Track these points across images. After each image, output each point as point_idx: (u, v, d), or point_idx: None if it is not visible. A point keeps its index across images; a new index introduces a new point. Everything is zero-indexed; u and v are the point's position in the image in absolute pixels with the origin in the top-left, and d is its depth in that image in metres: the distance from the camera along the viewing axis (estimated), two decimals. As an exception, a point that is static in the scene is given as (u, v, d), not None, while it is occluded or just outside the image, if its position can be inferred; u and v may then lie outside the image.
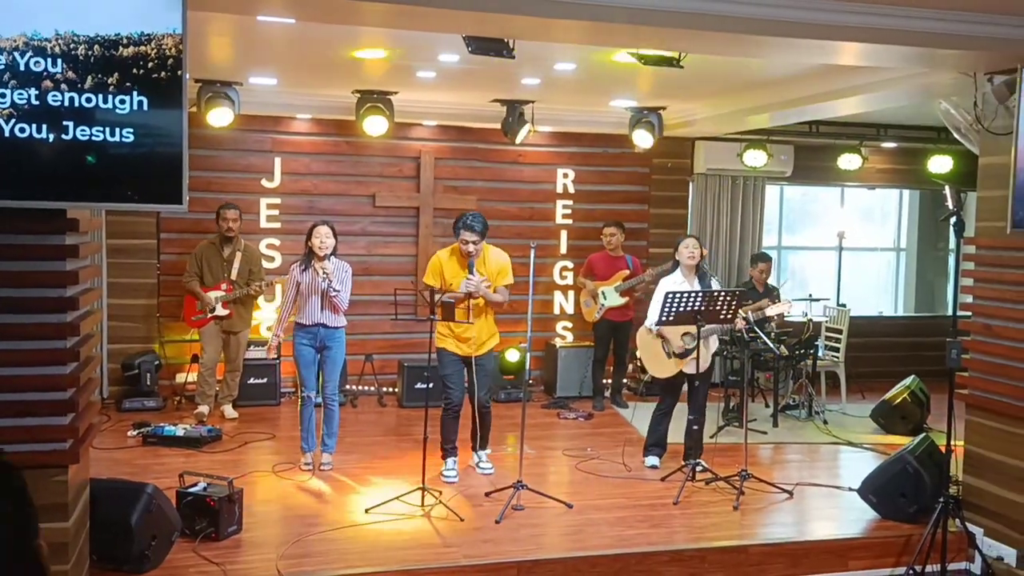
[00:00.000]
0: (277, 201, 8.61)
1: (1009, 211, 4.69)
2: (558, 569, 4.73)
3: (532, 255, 5.73)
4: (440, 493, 5.57)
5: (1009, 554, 5.05)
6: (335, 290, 6.11)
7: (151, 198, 3.87)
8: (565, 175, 9.36)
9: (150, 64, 3.60)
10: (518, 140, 8.25)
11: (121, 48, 3.56)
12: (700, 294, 5.90)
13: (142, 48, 3.58)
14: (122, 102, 3.59)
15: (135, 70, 3.58)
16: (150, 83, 3.60)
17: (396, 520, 5.26)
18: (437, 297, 5.69)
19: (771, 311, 6.74)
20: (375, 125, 7.79)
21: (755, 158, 9.26)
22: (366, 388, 8.70)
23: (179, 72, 3.63)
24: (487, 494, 5.74)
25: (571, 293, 9.39)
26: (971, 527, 5.14)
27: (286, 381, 8.33)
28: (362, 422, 7.81)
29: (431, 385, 6.49)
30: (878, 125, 9.44)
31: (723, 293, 5.97)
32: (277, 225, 8.61)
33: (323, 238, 6.17)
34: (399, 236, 8.96)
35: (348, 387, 8.48)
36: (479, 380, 6.12)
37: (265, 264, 8.15)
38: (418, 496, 5.48)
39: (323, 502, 5.64)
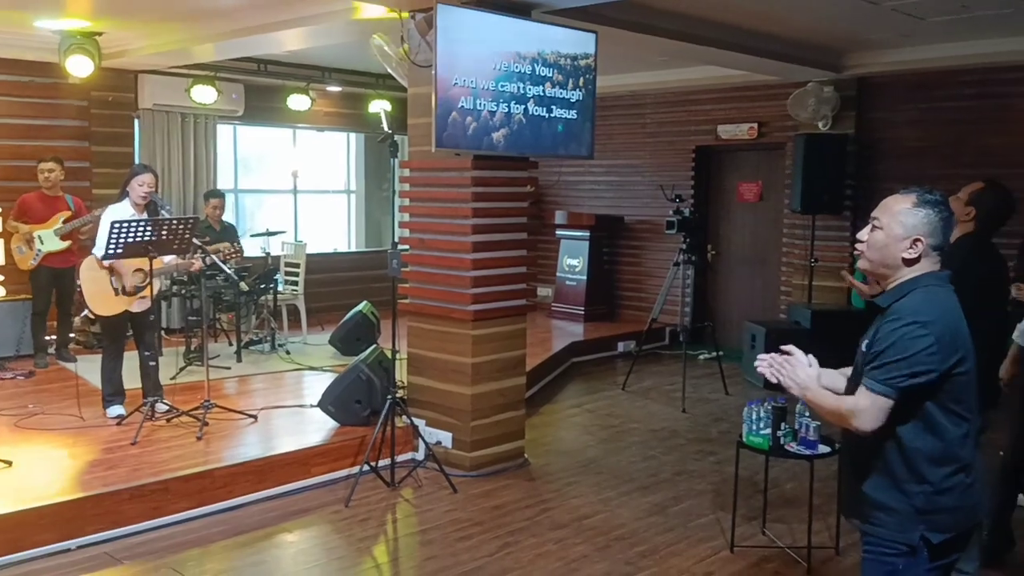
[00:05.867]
0: None
1: (433, 133, 5.23)
2: (-3, 528, 4.18)
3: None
4: None
5: (445, 437, 5.75)
6: None
7: None
8: (-16, 105, 8.13)
9: None
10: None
11: None
12: (150, 223, 5.60)
13: None
14: None
15: None
16: None
17: None
18: None
19: (216, 255, 6.41)
20: None
21: (204, 94, 9.03)
22: None
23: None
24: None
25: (1, 241, 8.21)
26: (416, 420, 5.73)
27: None
28: None
29: None
30: (323, 68, 9.85)
31: (175, 221, 5.74)
32: None
33: None
34: None
35: None
36: None
37: None
38: None
39: None
